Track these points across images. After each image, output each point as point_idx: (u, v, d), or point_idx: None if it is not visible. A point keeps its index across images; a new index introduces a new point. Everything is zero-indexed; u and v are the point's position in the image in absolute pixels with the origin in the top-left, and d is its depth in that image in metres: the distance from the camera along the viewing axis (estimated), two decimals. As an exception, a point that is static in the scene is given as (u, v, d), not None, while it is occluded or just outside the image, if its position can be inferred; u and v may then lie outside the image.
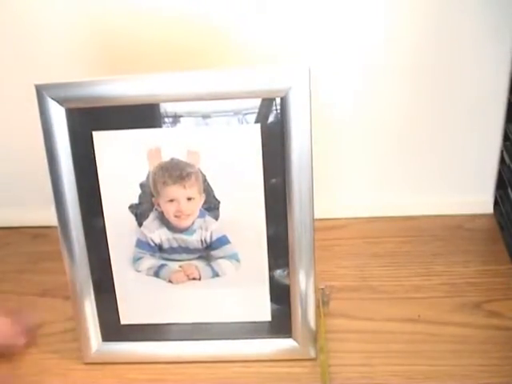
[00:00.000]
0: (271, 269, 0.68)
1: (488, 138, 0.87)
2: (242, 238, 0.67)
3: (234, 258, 0.68)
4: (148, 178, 0.66)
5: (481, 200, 0.91)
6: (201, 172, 0.65)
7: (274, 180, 0.65)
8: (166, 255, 0.69)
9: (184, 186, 0.66)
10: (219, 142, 0.64)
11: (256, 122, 0.63)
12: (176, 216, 0.67)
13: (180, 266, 0.69)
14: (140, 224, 0.68)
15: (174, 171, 0.65)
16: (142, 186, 0.66)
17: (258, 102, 0.63)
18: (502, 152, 0.87)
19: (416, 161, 0.89)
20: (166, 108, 0.64)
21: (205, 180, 0.65)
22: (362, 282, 0.80)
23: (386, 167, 0.90)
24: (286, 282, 0.68)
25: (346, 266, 0.83)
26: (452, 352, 0.70)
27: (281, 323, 0.70)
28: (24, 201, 0.95)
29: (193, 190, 0.66)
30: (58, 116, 0.64)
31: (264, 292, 0.69)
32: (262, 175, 0.65)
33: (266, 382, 0.68)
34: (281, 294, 0.69)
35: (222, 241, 0.68)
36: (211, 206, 0.66)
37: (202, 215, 0.67)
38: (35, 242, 0.93)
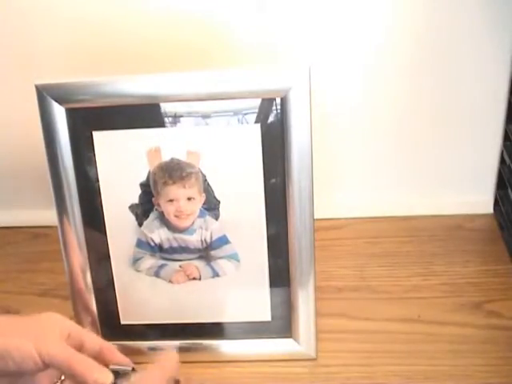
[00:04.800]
0: (271, 269, 0.68)
1: (488, 138, 0.87)
2: (242, 237, 0.68)
3: (233, 257, 0.68)
4: (148, 177, 0.66)
5: (481, 200, 0.91)
6: (201, 172, 0.65)
7: (273, 180, 0.65)
8: (166, 255, 0.69)
9: (184, 186, 0.66)
10: (219, 142, 0.64)
11: (256, 122, 0.63)
12: (176, 216, 0.67)
13: (180, 266, 0.69)
14: (140, 224, 0.68)
15: (174, 171, 0.65)
16: (142, 185, 0.66)
17: (257, 102, 0.63)
18: (502, 152, 0.87)
19: (416, 161, 0.89)
20: (166, 108, 0.64)
21: (205, 180, 0.65)
22: (361, 282, 0.80)
23: (385, 167, 0.90)
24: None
25: (345, 266, 0.83)
26: (452, 352, 0.70)
27: (281, 323, 0.70)
28: (24, 201, 0.95)
29: (193, 189, 0.66)
30: (58, 116, 0.64)
31: (264, 292, 0.69)
32: (262, 175, 0.65)
33: (266, 382, 0.68)
34: (281, 294, 0.69)
35: (222, 241, 0.68)
36: (211, 206, 0.66)
37: (202, 215, 0.67)
38: (35, 242, 0.93)
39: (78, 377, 0.51)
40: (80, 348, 0.55)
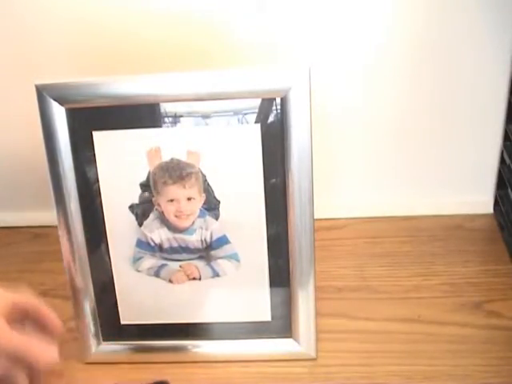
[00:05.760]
0: (271, 269, 0.68)
1: (488, 138, 0.87)
2: (242, 237, 0.68)
3: (234, 258, 0.68)
4: (148, 177, 0.66)
5: (481, 200, 0.91)
6: (201, 172, 0.65)
7: (273, 180, 0.65)
8: (166, 255, 0.69)
9: (184, 186, 0.66)
10: (219, 141, 0.64)
11: (256, 122, 0.63)
12: (176, 216, 0.67)
13: (180, 266, 0.69)
14: (140, 224, 0.68)
15: (174, 171, 0.65)
16: (142, 185, 0.66)
17: (257, 102, 0.63)
18: (502, 152, 0.87)
19: (416, 161, 0.89)
20: (166, 108, 0.64)
21: (205, 180, 0.65)
22: (361, 282, 0.80)
23: (385, 167, 0.90)
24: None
25: (345, 266, 0.83)
26: (452, 352, 0.70)
27: (281, 323, 0.70)
28: (24, 201, 0.95)
29: (193, 189, 0.66)
30: (58, 116, 0.64)
31: (264, 292, 0.69)
32: (262, 175, 0.65)
33: (266, 382, 0.68)
34: (281, 294, 0.69)
35: (222, 241, 0.68)
36: (211, 206, 0.66)
37: (202, 215, 0.67)
38: (35, 242, 0.93)
39: (24, 359, 0.51)
40: (25, 314, 0.55)
